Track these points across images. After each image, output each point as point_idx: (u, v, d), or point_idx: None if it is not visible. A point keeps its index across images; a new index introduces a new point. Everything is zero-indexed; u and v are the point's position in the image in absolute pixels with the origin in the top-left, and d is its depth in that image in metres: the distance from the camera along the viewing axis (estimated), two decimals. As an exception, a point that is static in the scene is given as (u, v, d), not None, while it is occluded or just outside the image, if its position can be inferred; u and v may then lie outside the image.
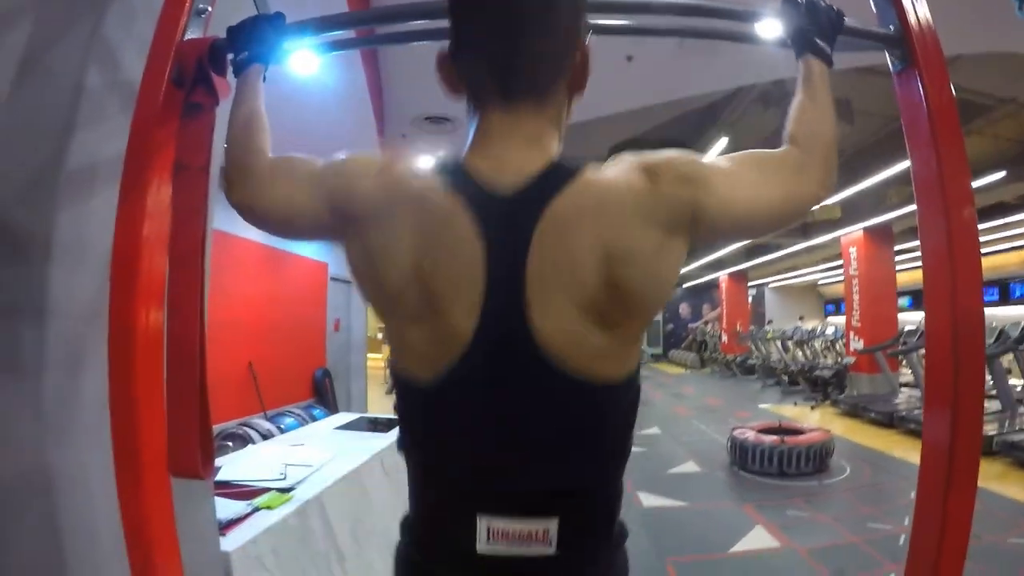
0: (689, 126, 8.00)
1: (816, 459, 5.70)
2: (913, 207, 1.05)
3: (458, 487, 0.80)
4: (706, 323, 23.07)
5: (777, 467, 5.67)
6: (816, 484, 5.41)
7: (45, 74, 1.10)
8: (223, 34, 1.03)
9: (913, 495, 1.02)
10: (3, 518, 1.03)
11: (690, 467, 6.36)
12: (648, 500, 5.11)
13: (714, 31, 1.27)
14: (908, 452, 6.50)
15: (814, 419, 8.77)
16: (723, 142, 6.90)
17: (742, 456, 5.93)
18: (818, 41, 0.96)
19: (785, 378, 12.78)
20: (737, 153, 0.86)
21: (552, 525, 0.77)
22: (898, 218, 9.92)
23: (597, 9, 1.09)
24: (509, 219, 0.74)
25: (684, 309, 26.22)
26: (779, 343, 13.91)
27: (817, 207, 0.93)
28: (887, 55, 1.08)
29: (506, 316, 0.74)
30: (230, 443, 4.69)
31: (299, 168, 0.88)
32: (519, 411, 0.76)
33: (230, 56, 1.02)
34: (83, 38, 1.15)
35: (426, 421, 0.82)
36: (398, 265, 0.76)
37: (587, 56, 0.82)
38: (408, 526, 0.88)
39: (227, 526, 1.79)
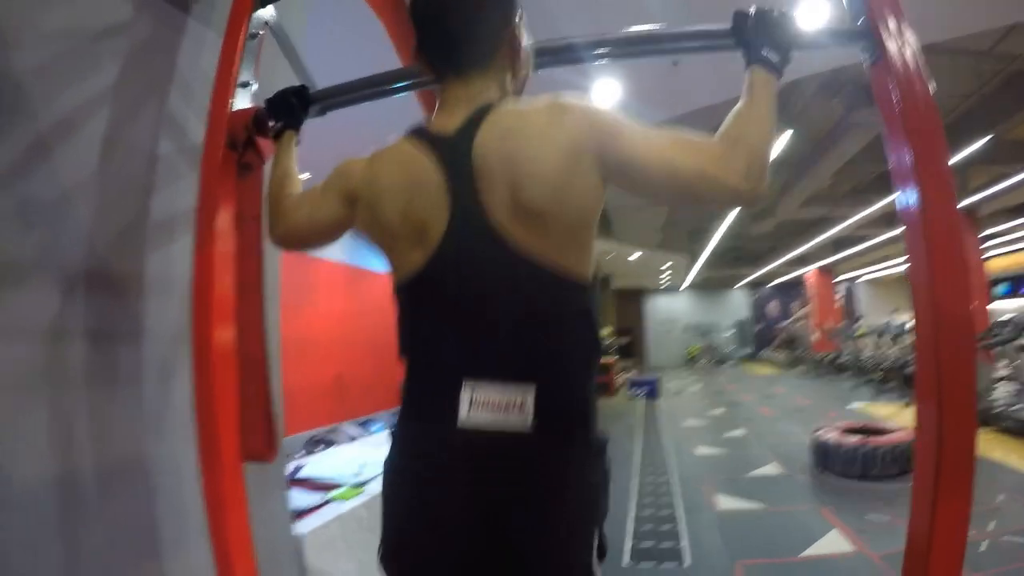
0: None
1: (901, 460, 5.43)
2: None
3: (444, 362, 0.95)
4: (795, 321, 22.25)
5: (860, 469, 5.47)
6: (900, 486, 5.16)
7: (125, 147, 1.41)
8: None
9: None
10: (106, 501, 1.31)
11: (771, 469, 6.24)
12: (725, 503, 5.10)
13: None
14: (1002, 452, 6.13)
15: (906, 418, 8.30)
16: (786, 135, 6.78)
17: (824, 458, 5.76)
18: (764, 52, 1.02)
19: (877, 375, 12.22)
20: (668, 129, 0.96)
21: (529, 396, 0.89)
22: (984, 201, 9.36)
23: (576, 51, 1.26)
24: (455, 148, 0.97)
25: (773, 308, 25.37)
26: (871, 339, 13.28)
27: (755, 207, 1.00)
28: (860, 49, 1.12)
29: (468, 208, 0.95)
30: (322, 445, 5.04)
31: (308, 194, 1.18)
32: (487, 283, 0.94)
33: (271, 123, 1.29)
34: (152, 114, 1.47)
35: (414, 312, 1.01)
36: (393, 204, 1.00)
37: (516, 36, 1.06)
38: (393, 434, 1.01)
39: (303, 514, 2.07)
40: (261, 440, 1.26)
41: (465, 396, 0.89)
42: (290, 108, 1.29)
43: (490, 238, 0.92)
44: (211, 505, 1.14)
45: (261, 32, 1.39)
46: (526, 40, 1.09)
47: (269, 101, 1.29)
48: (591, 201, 0.95)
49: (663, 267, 18.59)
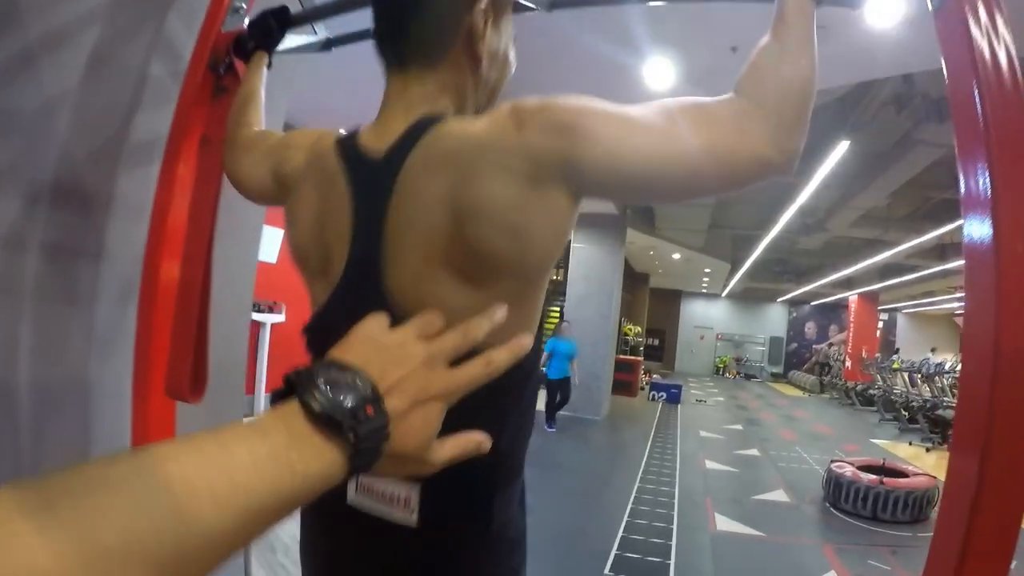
0: (813, 128, 7.69)
1: (915, 507, 5.35)
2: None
3: None
4: (830, 345, 21.90)
5: (871, 509, 5.39)
6: (909, 535, 5.08)
7: (116, 66, 1.39)
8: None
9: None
10: (40, 415, 1.31)
11: (779, 495, 6.19)
12: (724, 524, 5.06)
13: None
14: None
15: (928, 463, 8.21)
16: (843, 147, 6.59)
17: (836, 492, 5.69)
18: None
19: (904, 413, 11.98)
20: (660, 100, 0.75)
21: (414, 493, 0.77)
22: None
23: None
24: (374, 178, 0.79)
25: (810, 328, 25.03)
26: (906, 375, 13.02)
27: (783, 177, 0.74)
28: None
29: (362, 271, 0.78)
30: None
31: (262, 142, 1.05)
32: None
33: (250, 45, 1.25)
34: (148, 35, 1.44)
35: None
36: (303, 226, 0.87)
37: (479, 25, 0.82)
38: None
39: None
40: (185, 378, 1.21)
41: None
42: (267, 28, 1.23)
43: (380, 308, 0.73)
44: (137, 437, 1.13)
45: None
46: (502, 34, 0.87)
47: (250, 22, 1.26)
48: (551, 239, 0.75)
49: (704, 270, 18.43)
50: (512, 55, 0.92)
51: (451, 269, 0.73)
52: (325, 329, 0.79)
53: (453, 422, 0.63)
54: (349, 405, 0.48)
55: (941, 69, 0.80)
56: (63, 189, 1.31)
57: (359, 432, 0.48)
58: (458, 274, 0.74)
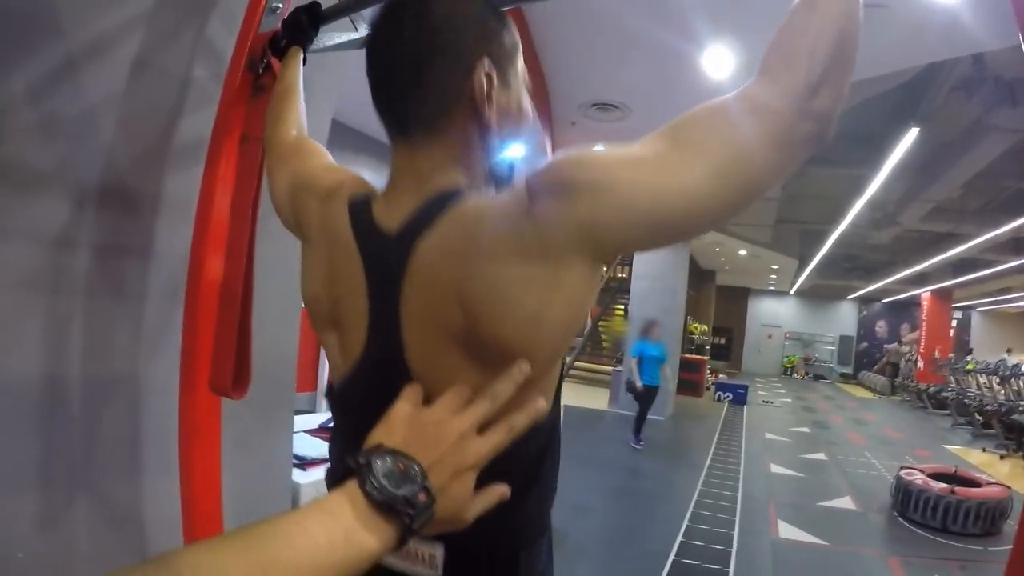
0: (880, 115, 7.45)
1: (988, 519, 5.07)
2: None
3: None
4: (902, 345, 21.08)
5: (941, 520, 5.15)
6: (980, 549, 4.82)
7: (158, 69, 1.44)
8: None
9: None
10: (89, 410, 1.37)
11: (845, 503, 5.99)
12: (787, 531, 4.92)
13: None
14: None
15: (1001, 471, 7.79)
16: (912, 134, 6.32)
17: (904, 500, 5.45)
18: None
19: (978, 418, 11.41)
20: (672, 122, 0.68)
21: (438, 551, 0.78)
22: None
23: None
24: (387, 258, 0.77)
25: (881, 327, 24.15)
26: (980, 377, 12.41)
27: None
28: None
29: (385, 353, 0.77)
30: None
31: (295, 161, 1.03)
32: None
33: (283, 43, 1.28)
34: (190, 39, 1.49)
35: (334, 425, 0.94)
36: (315, 286, 0.87)
37: (484, 88, 0.77)
38: None
39: (311, 463, 2.12)
40: (228, 374, 1.23)
41: None
42: (298, 24, 1.25)
43: (404, 381, 0.75)
44: (183, 432, 1.17)
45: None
46: (512, 88, 0.82)
47: (284, 21, 1.29)
48: (571, 316, 0.70)
49: (771, 267, 18.02)
50: (527, 106, 0.86)
51: (467, 351, 0.72)
52: (353, 399, 0.84)
53: (481, 486, 0.70)
54: (405, 495, 0.59)
55: (1014, 47, 0.74)
56: (109, 190, 1.37)
57: (413, 516, 0.59)
58: (474, 355, 0.72)
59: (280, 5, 1.35)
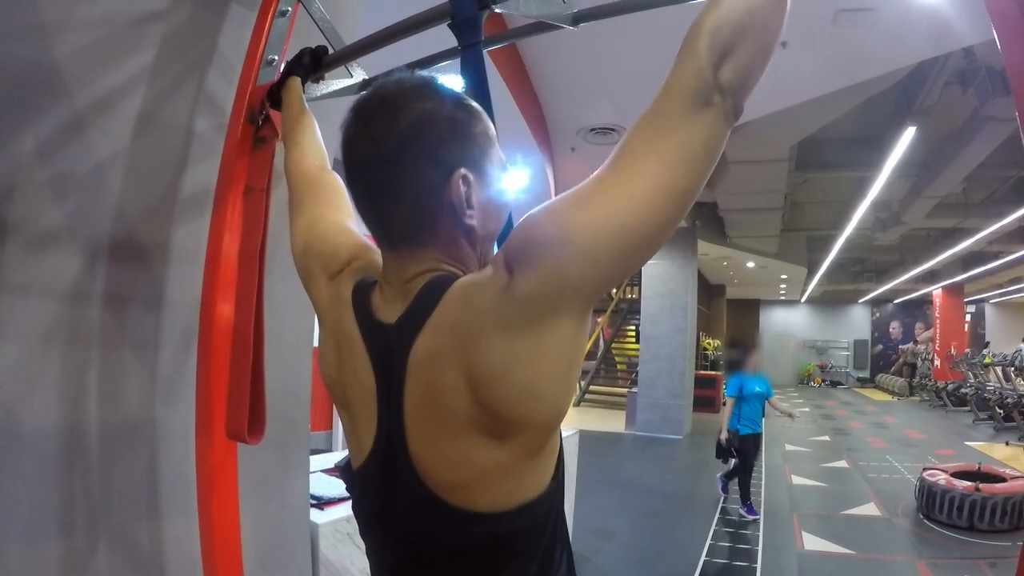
0: (877, 116, 7.52)
1: (1015, 513, 5.03)
2: None
3: None
4: (917, 344, 20.95)
5: (967, 519, 5.11)
6: (1009, 544, 4.79)
7: (161, 124, 1.51)
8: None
9: None
10: (109, 457, 1.41)
11: (869, 509, 5.94)
12: (811, 542, 4.89)
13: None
14: None
15: (1026, 464, 7.72)
16: (909, 133, 6.37)
17: (929, 502, 5.41)
18: None
19: (999, 411, 11.32)
20: (617, 144, 0.68)
21: None
22: None
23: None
24: (390, 350, 0.79)
25: (895, 328, 24.02)
26: (999, 370, 12.34)
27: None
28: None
29: (391, 446, 0.79)
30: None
31: (314, 221, 1.05)
32: (407, 536, 0.81)
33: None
34: (191, 93, 1.56)
35: (352, 502, 0.93)
36: (328, 367, 0.90)
37: (459, 197, 0.78)
38: None
39: (328, 503, 2.15)
40: (242, 420, 1.27)
41: None
42: (299, 61, 1.31)
43: (411, 488, 0.76)
44: (201, 477, 1.21)
45: (290, 8, 1.46)
46: (490, 182, 0.83)
47: (286, 63, 1.35)
48: (566, 376, 0.71)
49: (780, 277, 18.02)
50: (507, 194, 0.87)
51: (473, 430, 0.71)
52: (363, 485, 0.86)
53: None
54: None
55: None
56: (120, 243, 1.43)
57: None
58: (481, 433, 0.71)
59: (276, 57, 1.42)
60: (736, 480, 5.82)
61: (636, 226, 0.64)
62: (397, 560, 0.84)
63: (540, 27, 1.35)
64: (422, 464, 0.76)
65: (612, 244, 0.64)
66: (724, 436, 5.68)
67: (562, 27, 1.21)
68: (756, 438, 5.74)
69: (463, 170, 0.78)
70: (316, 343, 1.15)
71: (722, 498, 6.05)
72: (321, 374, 0.92)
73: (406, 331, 0.76)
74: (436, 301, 0.75)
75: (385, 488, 0.80)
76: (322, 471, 2.40)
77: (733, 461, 5.85)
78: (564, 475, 0.83)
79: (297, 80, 1.31)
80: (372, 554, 0.90)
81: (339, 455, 3.08)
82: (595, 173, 0.67)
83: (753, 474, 5.97)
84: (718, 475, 6.21)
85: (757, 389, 5.70)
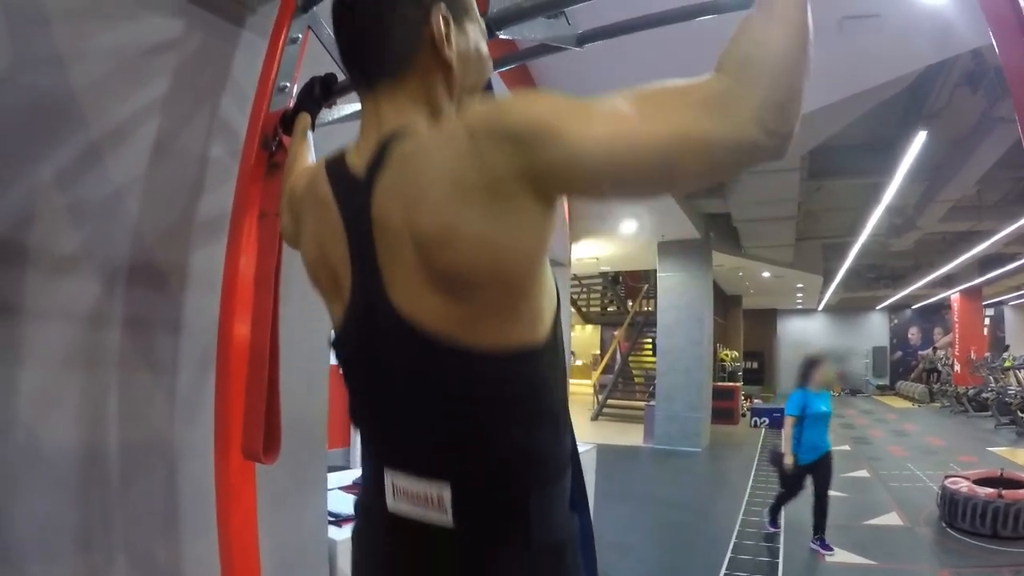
0: (888, 121, 7.50)
1: (1037, 520, 4.93)
2: None
3: (369, 442, 0.91)
4: (936, 350, 20.73)
5: (990, 526, 5.01)
6: (1032, 552, 4.69)
7: (176, 151, 1.56)
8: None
9: None
10: (129, 478, 1.45)
11: (891, 519, 5.86)
12: (833, 555, 4.84)
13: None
14: None
15: (1050, 470, 7.57)
16: (921, 137, 6.35)
17: (952, 510, 5.33)
18: None
19: (1021, 415, 11.20)
20: (631, 87, 0.69)
21: (445, 492, 0.79)
22: None
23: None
24: (356, 200, 0.81)
25: (913, 334, 23.78)
26: (1019, 373, 12.18)
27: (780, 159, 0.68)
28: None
29: (367, 291, 0.81)
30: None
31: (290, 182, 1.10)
32: (391, 374, 0.82)
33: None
34: (205, 120, 1.62)
35: (344, 377, 0.93)
36: (311, 252, 0.91)
37: (441, 31, 0.83)
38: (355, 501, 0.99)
39: (346, 520, 2.16)
40: (258, 440, 1.29)
41: (388, 482, 0.85)
42: (310, 92, 1.32)
43: (391, 322, 0.78)
44: (220, 496, 1.24)
45: (301, 35, 1.49)
46: (468, 34, 0.88)
47: (298, 94, 1.36)
48: (529, 245, 0.73)
49: (796, 286, 17.91)
50: (485, 51, 0.92)
51: (434, 286, 0.74)
52: (348, 344, 0.88)
53: (481, 428, 0.78)
54: None
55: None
56: (138, 267, 1.47)
57: None
58: (442, 289, 0.74)
59: (288, 84, 1.45)
60: (779, 504, 5.27)
61: (626, 164, 0.66)
62: (386, 400, 0.85)
63: (546, 49, 1.40)
64: (402, 308, 0.77)
65: (591, 163, 0.66)
66: (789, 461, 4.91)
67: (568, 48, 1.25)
68: (822, 461, 4.91)
69: (443, 6, 0.83)
70: (333, 361, 1.17)
71: (774, 532, 5.34)
72: (306, 268, 0.94)
73: (370, 175, 0.80)
74: (391, 149, 0.78)
75: (367, 331, 0.83)
76: (340, 488, 2.42)
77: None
78: (562, 346, 0.86)
79: (307, 119, 1.32)
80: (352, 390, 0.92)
81: (357, 472, 3.09)
82: (611, 99, 0.68)
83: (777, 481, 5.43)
84: (765, 510, 5.57)
85: (823, 408, 4.95)
